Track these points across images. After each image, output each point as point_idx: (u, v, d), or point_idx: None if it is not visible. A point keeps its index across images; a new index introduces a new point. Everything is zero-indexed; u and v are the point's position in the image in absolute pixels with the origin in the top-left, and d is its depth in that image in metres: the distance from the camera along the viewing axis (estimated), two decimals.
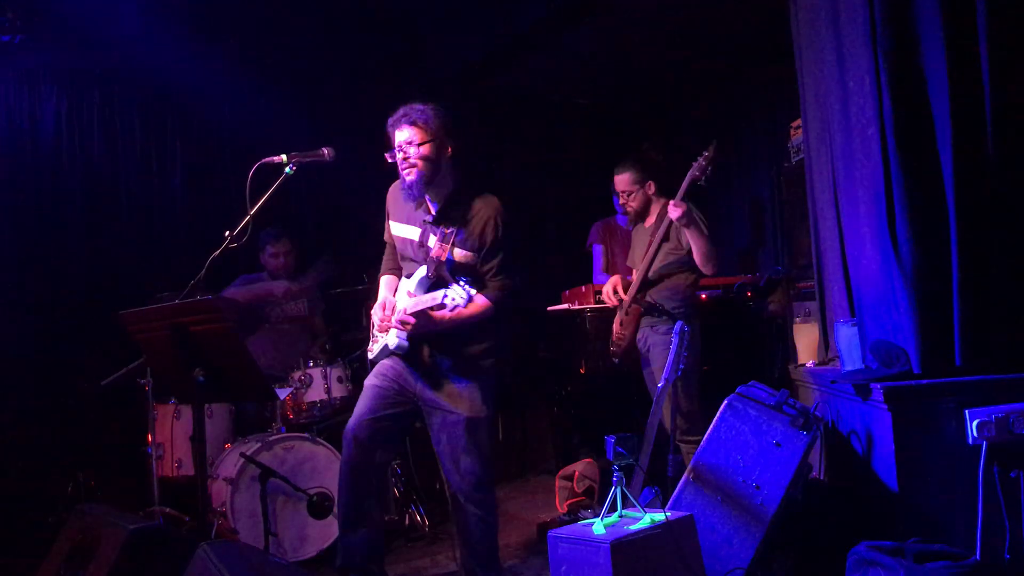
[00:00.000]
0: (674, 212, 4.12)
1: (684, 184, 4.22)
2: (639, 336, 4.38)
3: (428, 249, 3.37)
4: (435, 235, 3.36)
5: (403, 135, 3.32)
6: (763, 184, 6.25)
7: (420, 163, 3.30)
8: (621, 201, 4.62)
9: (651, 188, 4.50)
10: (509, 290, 3.38)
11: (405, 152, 3.30)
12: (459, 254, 3.33)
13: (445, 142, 3.35)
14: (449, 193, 3.41)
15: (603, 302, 4.77)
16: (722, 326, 4.85)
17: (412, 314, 3.22)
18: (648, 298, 4.34)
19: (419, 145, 3.30)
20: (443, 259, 3.32)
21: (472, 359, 3.38)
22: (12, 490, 4.83)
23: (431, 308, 3.17)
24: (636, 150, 4.69)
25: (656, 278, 4.35)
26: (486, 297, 3.34)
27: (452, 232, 3.32)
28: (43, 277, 5.28)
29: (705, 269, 4.24)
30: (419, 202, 3.45)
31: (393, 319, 3.29)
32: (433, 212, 3.41)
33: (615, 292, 4.51)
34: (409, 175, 3.32)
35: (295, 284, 5.24)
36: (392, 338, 3.35)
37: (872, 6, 3.13)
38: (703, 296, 5.01)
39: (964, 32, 2.99)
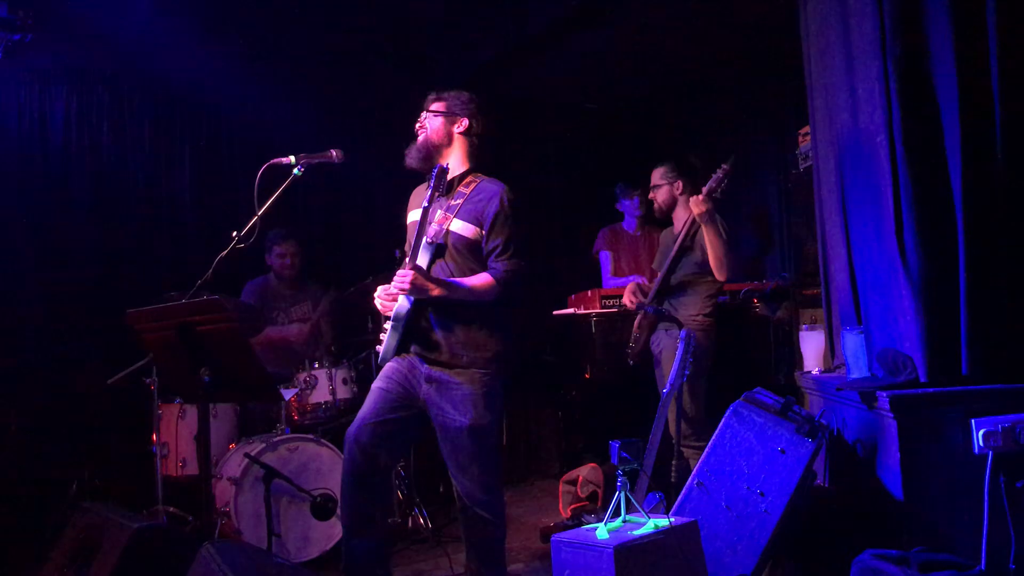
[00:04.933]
0: (697, 206, 4.15)
1: (707, 187, 4.23)
2: (653, 338, 4.41)
3: (430, 222, 3.35)
4: (441, 208, 3.35)
5: (429, 105, 3.47)
6: (771, 191, 6.25)
7: (429, 126, 3.42)
8: (650, 196, 4.64)
9: (679, 188, 4.48)
10: (516, 272, 3.28)
11: (422, 118, 3.44)
12: (460, 226, 3.29)
13: (457, 118, 3.43)
14: (461, 172, 3.42)
15: (622, 306, 4.78)
16: (728, 332, 4.83)
17: (411, 267, 3.18)
18: (666, 305, 4.35)
19: (434, 114, 3.43)
20: (446, 228, 3.30)
21: (469, 358, 3.28)
22: (16, 488, 4.85)
23: (431, 254, 3.24)
24: (683, 143, 4.73)
25: (676, 284, 4.37)
26: (491, 275, 3.27)
27: (457, 205, 3.32)
28: (50, 275, 5.30)
29: (718, 274, 4.25)
30: (422, 166, 3.47)
31: (394, 282, 3.22)
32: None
33: (635, 295, 4.52)
34: (419, 135, 3.44)
35: (307, 320, 5.26)
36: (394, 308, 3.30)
37: (882, 14, 3.13)
38: None
39: (974, 41, 2.98)
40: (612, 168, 6.81)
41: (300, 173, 3.40)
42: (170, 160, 5.78)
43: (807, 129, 4.63)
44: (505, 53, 6.05)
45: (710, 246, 4.20)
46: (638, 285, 4.63)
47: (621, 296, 5.30)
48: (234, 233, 3.29)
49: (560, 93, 6.91)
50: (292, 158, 3.40)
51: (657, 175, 4.58)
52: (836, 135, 3.57)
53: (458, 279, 3.28)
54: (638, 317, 4.50)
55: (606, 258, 5.88)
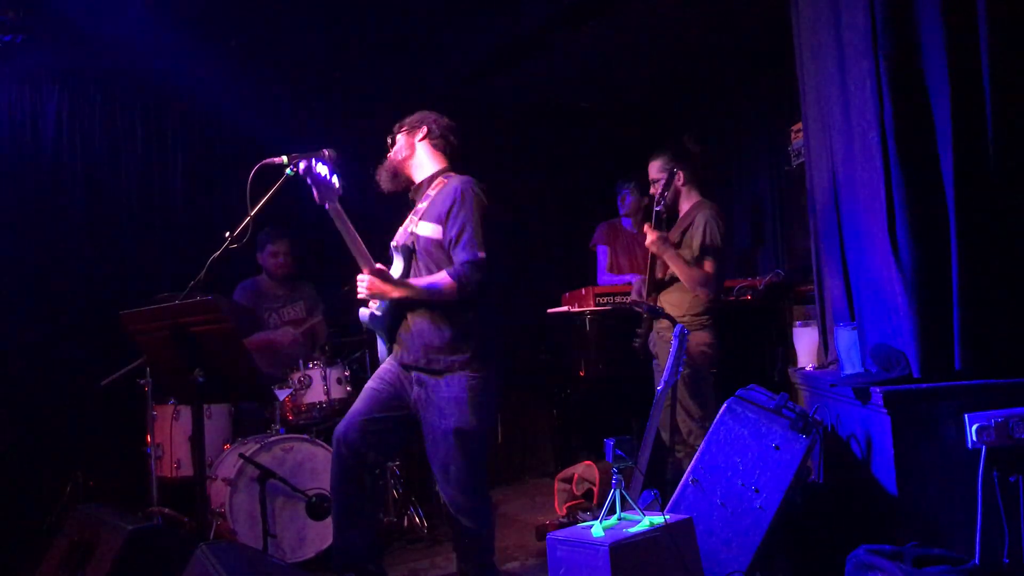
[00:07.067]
0: (648, 239, 4.11)
1: (653, 214, 4.21)
2: (650, 337, 4.37)
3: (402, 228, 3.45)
4: (412, 213, 3.43)
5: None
6: (763, 187, 6.26)
7: (387, 162, 3.54)
8: (651, 190, 4.39)
9: (680, 178, 4.28)
10: (471, 264, 3.22)
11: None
12: (425, 228, 3.33)
13: (416, 128, 3.50)
14: (430, 175, 3.47)
15: (617, 304, 4.76)
16: (722, 329, 4.85)
17: (370, 272, 3.22)
18: (658, 303, 4.31)
19: (394, 136, 3.55)
20: (411, 231, 3.36)
21: (443, 362, 3.29)
22: (11, 490, 4.83)
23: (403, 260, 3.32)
24: (676, 141, 4.52)
25: (668, 281, 4.30)
26: (448, 272, 3.24)
27: (423, 208, 3.37)
28: (43, 277, 5.28)
29: (695, 293, 4.16)
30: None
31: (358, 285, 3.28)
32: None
33: (639, 292, 4.48)
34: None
35: (300, 321, 5.23)
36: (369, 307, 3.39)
37: (873, 10, 3.14)
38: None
39: (965, 37, 2.99)
40: (606, 167, 6.83)
41: (293, 173, 3.40)
42: (163, 160, 5.75)
43: (799, 126, 4.64)
44: (500, 52, 6.05)
45: (677, 274, 4.15)
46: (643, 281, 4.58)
47: (616, 294, 5.31)
48: (227, 233, 3.29)
49: (554, 92, 6.91)
50: (284, 158, 3.39)
51: (655, 168, 4.36)
52: (828, 132, 3.57)
53: (415, 279, 3.31)
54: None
55: (602, 253, 5.88)
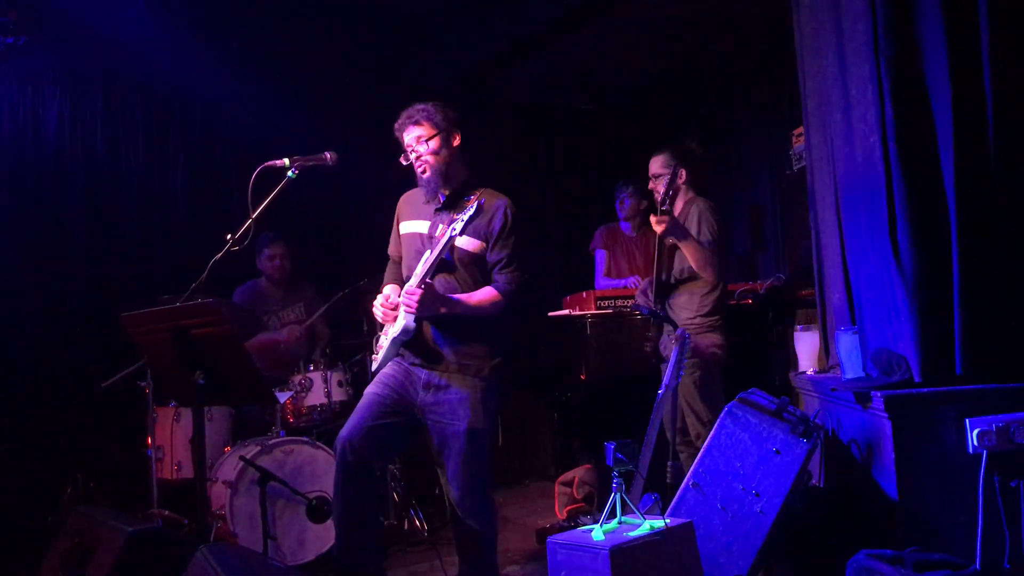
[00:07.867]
0: (657, 228, 4.07)
1: (658, 201, 4.21)
2: (661, 341, 4.36)
3: (436, 239, 3.34)
4: (443, 223, 3.34)
5: (410, 135, 3.35)
6: (764, 191, 6.26)
7: (432, 158, 3.34)
8: (650, 186, 4.41)
9: (681, 177, 4.29)
10: (519, 283, 3.35)
11: (416, 151, 3.34)
12: (465, 241, 3.31)
13: (451, 133, 3.37)
14: (459, 184, 3.41)
15: (617, 307, 4.73)
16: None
17: (419, 284, 3.17)
18: (666, 306, 4.31)
19: (427, 141, 3.33)
20: (454, 246, 3.31)
21: (474, 367, 3.32)
22: (11, 491, 4.84)
23: (435, 269, 3.21)
24: (678, 141, 4.52)
25: (673, 284, 4.29)
26: (495, 288, 3.32)
27: (462, 219, 3.29)
28: (44, 279, 5.29)
29: (703, 275, 4.16)
30: (433, 196, 3.45)
31: (401, 298, 3.24)
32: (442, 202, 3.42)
33: (644, 295, 4.47)
34: (424, 172, 3.36)
35: (300, 322, 5.20)
36: (399, 323, 3.29)
37: (874, 14, 3.14)
38: None
39: (966, 41, 2.99)
40: (606, 169, 6.84)
41: (294, 175, 3.40)
42: (164, 163, 5.76)
43: (801, 130, 4.64)
44: (499, 54, 6.06)
45: (686, 253, 4.13)
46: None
47: (616, 297, 5.31)
48: (228, 236, 3.29)
49: (553, 94, 6.92)
50: (286, 160, 3.40)
51: (657, 164, 4.35)
52: (829, 135, 3.57)
53: (464, 295, 3.31)
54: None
55: (601, 257, 5.88)
